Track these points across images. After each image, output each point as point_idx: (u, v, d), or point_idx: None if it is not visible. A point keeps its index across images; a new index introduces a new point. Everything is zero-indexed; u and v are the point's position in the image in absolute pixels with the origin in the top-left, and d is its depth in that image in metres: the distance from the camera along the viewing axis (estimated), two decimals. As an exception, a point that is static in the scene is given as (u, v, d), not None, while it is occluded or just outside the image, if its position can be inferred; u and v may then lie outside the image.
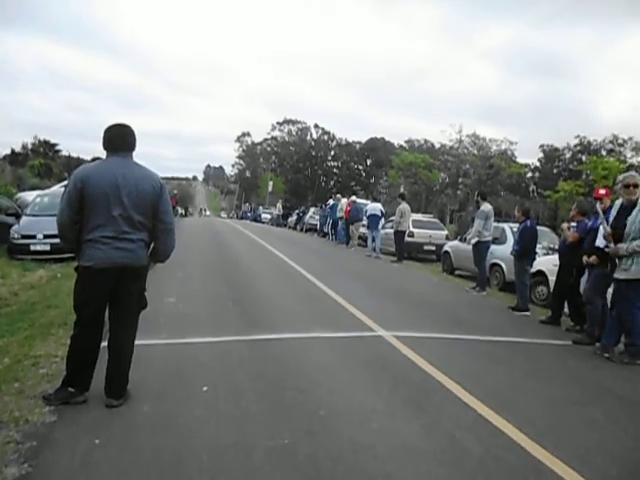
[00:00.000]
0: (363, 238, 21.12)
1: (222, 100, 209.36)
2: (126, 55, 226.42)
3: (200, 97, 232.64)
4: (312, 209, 33.83)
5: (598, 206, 7.42)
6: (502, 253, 12.85)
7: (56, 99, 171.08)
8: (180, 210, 49.45)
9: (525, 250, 9.70)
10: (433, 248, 19.01)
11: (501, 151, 55.81)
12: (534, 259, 10.03)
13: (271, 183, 73.20)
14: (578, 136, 66.52)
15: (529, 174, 66.25)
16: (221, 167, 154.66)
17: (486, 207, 11.54)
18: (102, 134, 4.42)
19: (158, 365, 5.34)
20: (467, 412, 4.60)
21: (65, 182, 20.08)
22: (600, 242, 7.30)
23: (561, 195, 36.06)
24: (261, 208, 57.83)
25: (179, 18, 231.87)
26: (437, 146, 72.63)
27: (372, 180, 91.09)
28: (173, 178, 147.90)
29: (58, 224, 4.26)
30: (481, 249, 11.59)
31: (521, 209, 10.21)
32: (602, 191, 8.14)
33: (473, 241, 11.63)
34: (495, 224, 12.85)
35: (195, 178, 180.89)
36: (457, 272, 15.59)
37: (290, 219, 38.85)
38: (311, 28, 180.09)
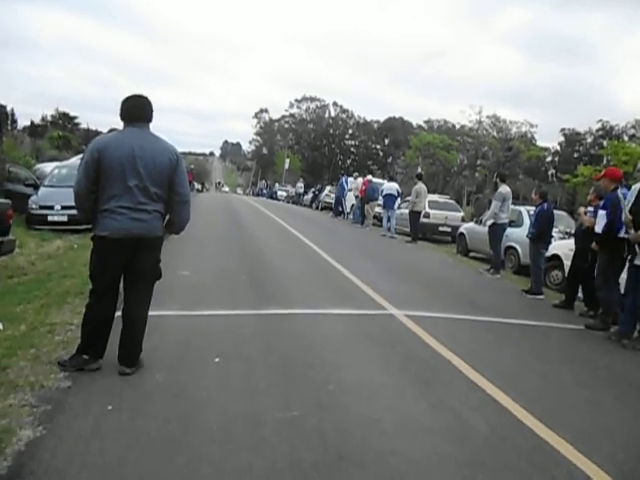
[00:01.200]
0: (378, 218, 21.07)
1: (240, 77, 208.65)
2: (145, 30, 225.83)
3: (218, 74, 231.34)
4: (328, 187, 33.71)
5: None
6: (518, 236, 12.75)
7: (75, 72, 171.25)
8: (196, 185, 49.50)
9: (541, 233, 9.62)
10: (449, 230, 18.91)
11: (521, 133, 55.12)
12: (550, 243, 9.95)
13: (288, 160, 72.87)
14: (600, 120, 65.64)
15: (549, 158, 65.47)
16: (238, 143, 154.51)
17: (504, 189, 11.42)
18: (120, 105, 4.44)
19: (171, 336, 5.41)
20: (475, 391, 4.63)
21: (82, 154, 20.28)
22: (598, 228, 7.27)
23: (580, 180, 35.55)
24: (277, 185, 57.80)
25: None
26: (456, 127, 72.00)
27: (389, 160, 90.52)
28: (190, 153, 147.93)
29: (75, 194, 4.30)
30: (497, 231, 11.50)
31: (538, 192, 10.12)
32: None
33: (489, 222, 11.53)
34: (512, 207, 12.73)
35: (212, 154, 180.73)
36: (471, 254, 15.51)
37: (306, 197, 38.77)
38: (329, 8, 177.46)
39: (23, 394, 3.90)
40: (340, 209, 23.94)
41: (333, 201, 26.21)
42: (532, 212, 13.48)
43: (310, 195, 37.27)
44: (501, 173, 12.89)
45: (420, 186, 16.58)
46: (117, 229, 4.19)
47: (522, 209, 13.74)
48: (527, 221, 13.16)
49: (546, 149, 58.71)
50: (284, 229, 16.76)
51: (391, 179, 20.06)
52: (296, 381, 4.48)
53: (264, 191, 56.09)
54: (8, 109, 51.59)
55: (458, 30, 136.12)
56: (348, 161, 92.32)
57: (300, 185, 41.19)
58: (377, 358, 5.29)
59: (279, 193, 51.05)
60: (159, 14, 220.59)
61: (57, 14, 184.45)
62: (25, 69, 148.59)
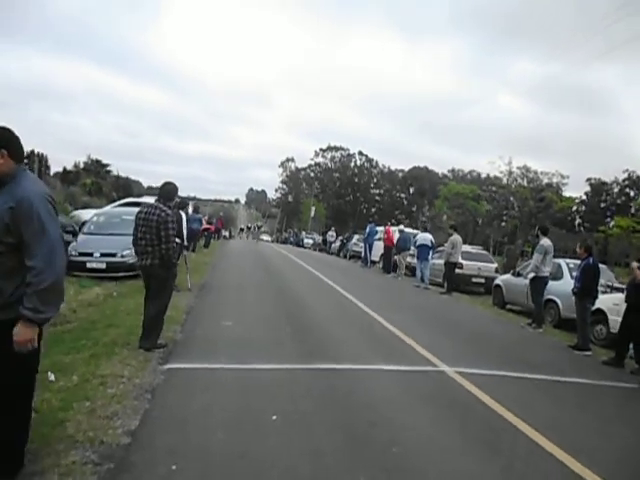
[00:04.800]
0: (409, 268, 20.93)
1: (264, 127, 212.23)
2: (171, 82, 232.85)
3: (243, 124, 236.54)
4: (356, 236, 33.59)
5: None
6: (557, 289, 12.50)
7: (104, 122, 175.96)
8: (224, 232, 49.90)
9: (587, 288, 9.43)
10: (482, 281, 18.64)
11: (548, 184, 54.95)
12: (596, 297, 9.73)
13: (314, 208, 73.51)
14: (627, 170, 65.25)
15: (574, 208, 65.02)
16: (263, 191, 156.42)
17: (546, 242, 11.27)
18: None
19: (225, 391, 5.34)
20: (543, 456, 4.44)
21: (122, 201, 20.50)
22: None
23: (616, 231, 35.00)
24: (304, 233, 58.12)
25: (220, 48, 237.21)
26: (482, 177, 72.07)
27: (414, 209, 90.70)
28: (216, 200, 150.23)
29: None
30: (538, 284, 11.30)
31: (583, 245, 9.95)
32: None
33: (530, 276, 11.34)
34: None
35: (237, 201, 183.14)
36: (508, 306, 15.23)
37: (333, 245, 38.73)
38: (352, 60, 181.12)
39: (84, 450, 3.84)
40: (368, 258, 23.78)
41: (362, 250, 26.10)
42: (572, 265, 13.34)
43: (338, 243, 37.20)
44: (543, 226, 12.76)
45: (456, 237, 16.47)
46: None
47: (562, 262, 13.50)
48: (567, 274, 12.94)
49: (575, 200, 58.33)
50: (317, 278, 16.70)
51: (425, 230, 19.93)
52: (359, 442, 4.35)
53: (291, 239, 56.28)
54: (40, 155, 52.81)
55: (476, 82, 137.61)
56: (373, 209, 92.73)
57: (332, 234, 41.25)
58: (437, 418, 5.12)
59: (305, 241, 51.16)
60: (184, 68, 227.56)
61: (87, 67, 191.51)
62: (56, 118, 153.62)
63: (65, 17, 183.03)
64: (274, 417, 4.69)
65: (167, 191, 6.82)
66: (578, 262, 13.69)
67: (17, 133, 3.29)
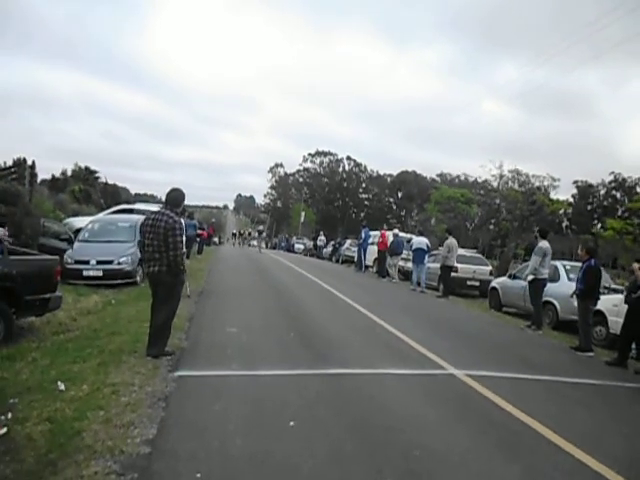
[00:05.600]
0: (402, 272, 20.96)
1: (250, 132, 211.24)
2: (159, 88, 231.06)
3: (230, 129, 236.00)
4: (348, 241, 33.61)
5: None
6: (555, 291, 12.56)
7: (90, 128, 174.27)
8: (214, 238, 49.67)
9: (589, 289, 9.47)
10: (477, 284, 18.69)
11: (539, 187, 55.32)
12: (598, 299, 9.78)
13: (303, 214, 73.52)
14: (612, 172, 65.85)
15: (561, 210, 65.51)
16: (252, 197, 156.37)
17: (544, 244, 11.32)
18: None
19: (239, 398, 5.31)
20: (562, 455, 4.47)
21: (115, 208, 20.35)
22: None
23: (609, 233, 35.23)
24: (294, 238, 58.04)
25: (207, 54, 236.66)
26: (470, 180, 72.43)
27: (403, 213, 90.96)
28: (204, 206, 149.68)
29: None
30: (537, 286, 11.34)
31: (585, 247, 10.02)
32: None
33: (529, 278, 11.38)
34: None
35: (226, 207, 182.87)
36: (504, 309, 15.28)
37: (325, 250, 38.71)
38: (337, 66, 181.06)
39: (104, 460, 3.80)
40: (363, 262, 23.72)
41: (355, 254, 26.06)
42: (568, 267, 13.42)
43: (330, 248, 37.18)
44: (542, 228, 12.81)
45: (452, 241, 16.49)
46: None
47: (558, 264, 13.58)
48: (564, 276, 13.02)
49: (565, 202, 58.79)
50: (314, 283, 16.65)
51: (421, 233, 19.97)
52: (379, 445, 4.33)
53: (282, 244, 56.12)
54: (30, 162, 52.35)
55: (461, 88, 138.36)
56: (362, 214, 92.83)
57: (322, 238, 41.38)
58: (453, 421, 5.11)
59: (296, 246, 51.08)
60: (171, 74, 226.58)
61: (73, 74, 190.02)
62: (41, 125, 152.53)
63: (50, 23, 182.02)
64: (291, 423, 4.66)
65: (174, 197, 6.77)
66: (573, 264, 13.90)
67: None
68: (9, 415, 4.56)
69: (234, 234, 64.43)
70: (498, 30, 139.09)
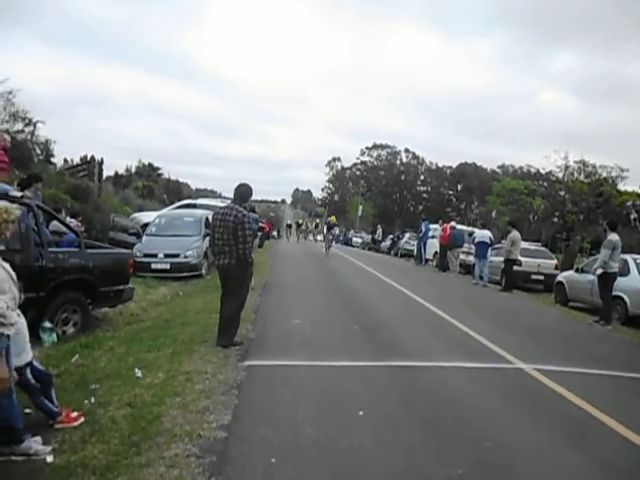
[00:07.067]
0: (462, 265, 20.69)
1: (306, 128, 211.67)
2: (215, 86, 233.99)
3: (287, 125, 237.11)
4: (407, 234, 33.41)
5: None
6: (625, 285, 12.12)
7: (151, 126, 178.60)
8: (273, 232, 50.18)
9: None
10: (541, 278, 18.23)
11: (606, 178, 53.24)
12: (673, 293, 9.42)
13: (361, 207, 73.35)
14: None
15: (629, 202, 62.78)
16: (309, 191, 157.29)
17: (614, 237, 10.96)
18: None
19: (307, 387, 5.44)
20: (630, 447, 4.43)
21: (179, 203, 20.87)
22: None
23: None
24: (352, 232, 58.07)
25: (259, 51, 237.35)
26: (533, 172, 70.41)
27: (463, 206, 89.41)
28: (262, 201, 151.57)
29: None
30: (607, 280, 10.99)
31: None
32: None
33: (599, 272, 11.04)
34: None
35: (284, 201, 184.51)
36: (570, 304, 14.86)
37: (383, 244, 38.61)
38: (387, 58, 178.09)
39: (184, 444, 3.97)
40: (423, 256, 23.50)
41: (414, 248, 25.84)
42: (639, 260, 12.93)
43: (388, 242, 37.06)
44: (611, 221, 12.40)
45: (515, 234, 16.16)
46: None
47: (628, 257, 13.08)
48: (634, 270, 12.54)
49: (634, 193, 56.32)
50: (374, 276, 16.69)
51: (483, 226, 19.63)
52: (449, 437, 4.35)
53: (340, 237, 56.35)
54: (98, 160, 54.24)
55: (513, 78, 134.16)
56: (420, 207, 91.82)
57: (379, 232, 41.34)
58: (524, 414, 5.08)
59: (354, 240, 51.09)
60: (226, 72, 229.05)
61: (131, 74, 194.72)
62: (103, 124, 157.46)
63: (109, 25, 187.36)
64: (360, 412, 4.74)
65: (242, 192, 6.95)
66: (645, 257, 13.39)
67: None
68: (92, 399, 4.82)
69: (289, 225, 53.73)
70: (552, 21, 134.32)
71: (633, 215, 66.17)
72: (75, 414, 4.34)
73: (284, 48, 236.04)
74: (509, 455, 4.10)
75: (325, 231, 27.60)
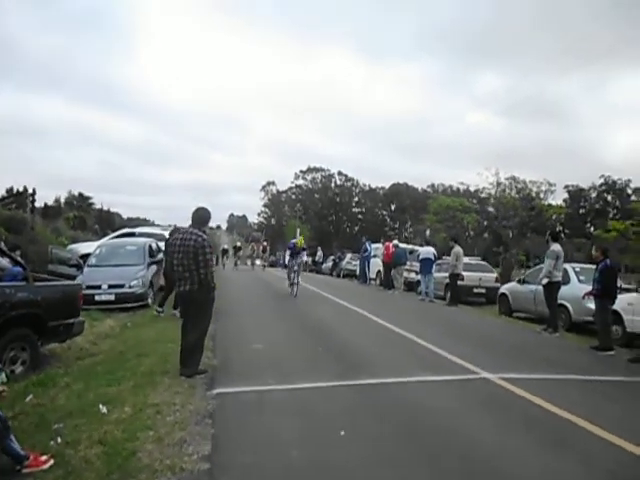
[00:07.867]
0: (406, 283, 21.01)
1: (239, 151, 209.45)
2: (145, 113, 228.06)
3: (218, 149, 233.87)
4: (349, 255, 33.75)
5: None
6: (567, 293, 12.61)
7: (81, 156, 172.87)
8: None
9: (607, 289, 9.56)
10: (483, 291, 18.72)
11: (537, 193, 55.83)
12: (615, 298, 9.86)
13: (298, 230, 73.48)
14: (602, 175, 66.35)
15: (554, 216, 65.99)
16: (244, 216, 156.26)
17: (556, 247, 11.40)
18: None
19: (280, 410, 5.37)
20: (615, 450, 4.54)
21: (118, 232, 20.25)
22: None
23: (613, 234, 35.35)
24: (291, 255, 57.90)
25: (192, 76, 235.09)
26: (462, 189, 72.77)
27: (397, 225, 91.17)
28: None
29: None
30: (552, 290, 11.39)
31: (600, 248, 10.11)
32: None
33: (544, 281, 11.43)
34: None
35: (219, 227, 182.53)
36: (515, 314, 15.32)
37: (325, 265, 38.74)
38: (318, 83, 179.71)
39: (167, 478, 3.84)
40: (367, 275, 23.69)
41: (357, 268, 26.06)
42: (577, 269, 13.53)
43: (330, 263, 37.23)
44: (553, 232, 12.99)
45: (458, 249, 16.56)
46: None
47: (567, 267, 13.62)
48: (574, 278, 13.09)
49: (559, 206, 59.18)
50: (325, 297, 16.62)
51: (427, 243, 20.02)
52: (436, 450, 4.38)
53: (280, 261, 56.00)
54: (30, 191, 52.20)
55: (446, 100, 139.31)
56: (356, 228, 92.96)
57: (320, 254, 41.58)
58: (499, 423, 5.18)
59: (295, 262, 50.84)
60: (159, 99, 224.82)
61: (60, 101, 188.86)
62: (33, 154, 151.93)
63: (34, 54, 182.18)
64: (342, 432, 4.68)
65: (200, 216, 6.83)
66: (582, 266, 14.02)
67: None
68: (58, 440, 4.54)
69: (225, 250, 48.26)
70: (479, 45, 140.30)
71: (558, 227, 69.36)
72: (44, 457, 4.07)
73: (216, 74, 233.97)
74: (500, 462, 4.19)
75: (287, 259, 19.14)
